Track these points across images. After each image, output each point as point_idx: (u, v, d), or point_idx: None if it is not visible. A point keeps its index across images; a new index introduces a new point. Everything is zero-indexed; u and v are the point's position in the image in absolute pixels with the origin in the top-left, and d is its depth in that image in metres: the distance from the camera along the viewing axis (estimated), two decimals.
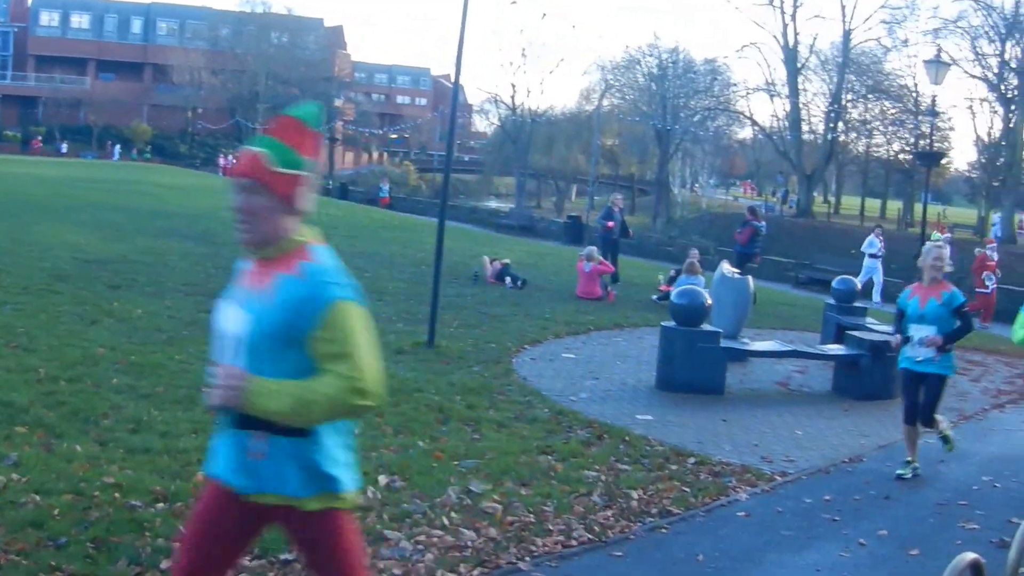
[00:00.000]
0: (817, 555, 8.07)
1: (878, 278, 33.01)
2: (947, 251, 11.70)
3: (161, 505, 7.42)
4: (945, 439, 11.34)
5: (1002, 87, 69.07)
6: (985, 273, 28.55)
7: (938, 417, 11.11)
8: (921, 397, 10.91)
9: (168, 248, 23.60)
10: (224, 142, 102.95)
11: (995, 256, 29.31)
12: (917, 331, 10.77)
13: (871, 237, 34.24)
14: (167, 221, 29.91)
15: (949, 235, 29.85)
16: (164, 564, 6.36)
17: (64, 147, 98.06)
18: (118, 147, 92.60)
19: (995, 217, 69.16)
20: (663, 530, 8.36)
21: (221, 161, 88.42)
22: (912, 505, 9.69)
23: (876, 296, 31.48)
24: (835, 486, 10.19)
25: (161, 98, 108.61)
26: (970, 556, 1.82)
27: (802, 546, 8.27)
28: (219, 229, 29.72)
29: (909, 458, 10.91)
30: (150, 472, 8.17)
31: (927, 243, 12.30)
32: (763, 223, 32.66)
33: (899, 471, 10.74)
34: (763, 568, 7.67)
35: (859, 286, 23.02)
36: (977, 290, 28.26)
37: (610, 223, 28.70)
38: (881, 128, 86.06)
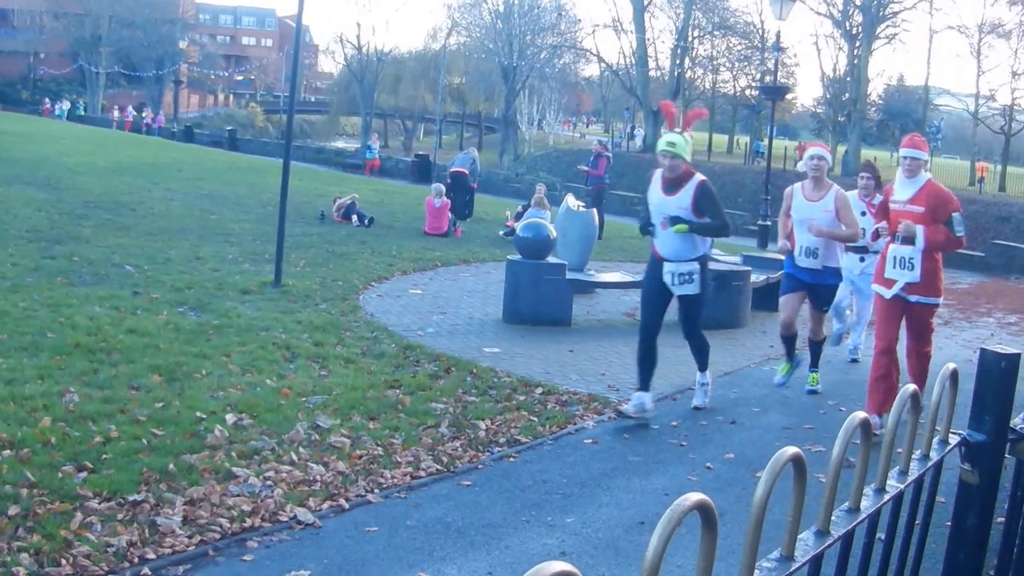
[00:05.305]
0: (665, 479, 8.18)
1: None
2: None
3: (7, 452, 7.25)
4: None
5: (847, 24, 70.28)
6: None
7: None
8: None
9: (9, 195, 22.97)
10: (67, 87, 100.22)
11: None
12: None
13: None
14: (9, 168, 29.09)
15: None
16: (12, 511, 6.23)
17: None
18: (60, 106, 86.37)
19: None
20: (511, 459, 8.42)
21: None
22: (758, 429, 9.87)
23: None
24: (682, 412, 10.35)
25: (2, 43, 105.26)
26: (791, 450, 1.85)
27: (650, 471, 8.37)
28: (62, 175, 29.07)
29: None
30: None
31: None
32: (610, 154, 32.72)
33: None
34: (611, 493, 7.75)
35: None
36: None
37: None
38: (727, 64, 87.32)
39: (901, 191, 9.61)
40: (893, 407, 2.43)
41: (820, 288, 11.08)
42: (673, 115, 10.15)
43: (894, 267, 9.61)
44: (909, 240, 9.46)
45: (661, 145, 9.89)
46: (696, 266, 9.95)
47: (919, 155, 9.53)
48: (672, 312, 9.81)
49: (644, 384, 10.04)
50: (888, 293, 9.66)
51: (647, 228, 10.27)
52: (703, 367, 10.52)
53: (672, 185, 9.86)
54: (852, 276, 12.83)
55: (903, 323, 9.86)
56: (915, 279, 9.47)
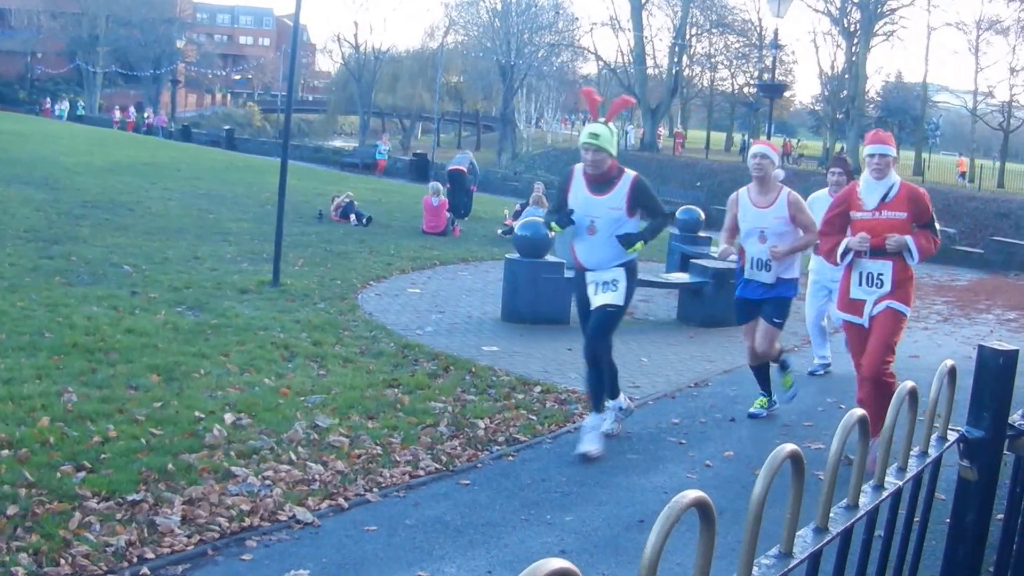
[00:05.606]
0: (664, 477, 8.17)
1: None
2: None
3: (6, 452, 7.24)
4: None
5: (845, 21, 70.41)
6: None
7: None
8: None
9: (7, 195, 22.95)
10: (65, 87, 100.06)
11: None
12: None
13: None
14: (6, 168, 29.06)
15: None
16: (11, 511, 6.22)
17: None
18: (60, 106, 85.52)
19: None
20: (510, 457, 8.41)
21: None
22: (757, 427, 9.86)
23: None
24: (681, 410, 10.33)
25: None
26: (789, 447, 1.84)
27: (649, 469, 8.37)
28: (60, 175, 29.03)
29: None
30: None
31: None
32: None
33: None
34: (610, 491, 7.74)
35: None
36: None
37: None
38: (725, 62, 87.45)
39: (871, 197, 8.24)
40: (891, 403, 2.42)
41: (772, 300, 9.67)
42: (596, 103, 8.86)
43: (860, 284, 8.33)
44: (882, 253, 8.16)
45: (583, 137, 8.66)
46: (621, 272, 8.69)
47: (888, 151, 8.27)
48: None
49: (597, 405, 8.91)
50: (864, 320, 8.32)
51: (567, 218, 8.71)
52: (613, 394, 9.09)
53: (600, 184, 8.65)
54: (827, 281, 11.56)
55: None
56: (885, 294, 8.22)
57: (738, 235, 9.75)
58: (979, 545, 3.06)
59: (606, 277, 8.63)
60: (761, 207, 9.45)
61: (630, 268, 8.74)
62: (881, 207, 8.16)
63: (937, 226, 8.36)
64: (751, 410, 10.25)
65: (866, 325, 8.29)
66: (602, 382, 8.89)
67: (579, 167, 8.78)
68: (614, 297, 8.60)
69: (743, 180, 40.56)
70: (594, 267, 8.69)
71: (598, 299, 8.64)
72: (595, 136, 8.46)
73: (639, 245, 8.56)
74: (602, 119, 8.63)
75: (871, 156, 8.21)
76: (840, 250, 8.34)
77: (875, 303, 8.24)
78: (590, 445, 8.50)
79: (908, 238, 8.07)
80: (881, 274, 8.18)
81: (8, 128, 48.41)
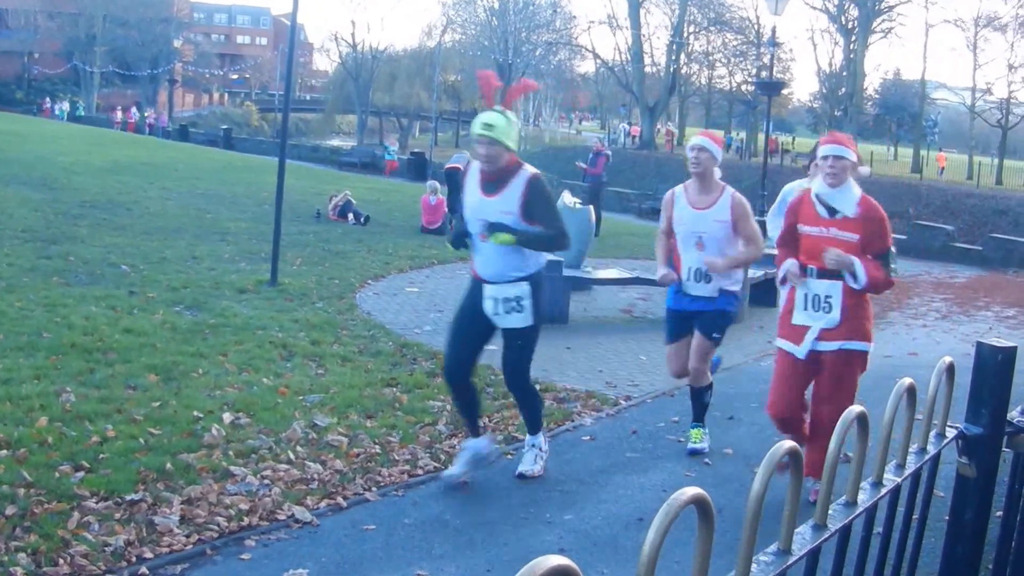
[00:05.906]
0: (662, 476, 8.16)
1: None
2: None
3: (4, 452, 7.23)
4: None
5: (843, 18, 70.58)
6: None
7: None
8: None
9: (5, 195, 22.91)
10: (62, 87, 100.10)
11: None
12: None
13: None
14: (4, 168, 28.99)
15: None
16: (9, 511, 6.22)
17: None
18: (60, 106, 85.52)
19: None
20: (509, 456, 8.38)
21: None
22: (756, 425, 9.81)
23: None
24: (679, 408, 10.27)
25: None
26: (788, 444, 1.84)
27: (647, 467, 8.35)
28: (58, 175, 28.98)
29: None
30: None
31: None
32: (609, 152, 33.00)
33: None
34: (608, 490, 7.72)
35: None
36: None
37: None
38: (723, 60, 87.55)
39: (822, 208, 7.01)
40: (890, 401, 2.42)
41: (710, 312, 8.35)
42: (493, 88, 7.59)
43: (805, 307, 7.07)
44: (830, 273, 6.95)
45: (475, 127, 7.37)
46: (526, 288, 7.44)
47: (844, 153, 6.91)
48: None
49: (473, 429, 7.97)
50: (801, 350, 7.09)
51: (461, 239, 7.79)
52: (534, 428, 8.02)
53: (493, 182, 7.38)
54: None
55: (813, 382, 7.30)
56: (834, 323, 6.97)
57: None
58: (978, 542, 3.06)
59: (508, 293, 7.43)
60: (700, 208, 8.12)
61: (535, 282, 7.54)
62: (830, 223, 6.96)
63: (893, 263, 7.08)
64: (691, 445, 8.86)
65: (801, 356, 7.12)
66: (475, 404, 8.04)
67: (477, 163, 7.60)
68: (521, 320, 7.50)
69: (739, 178, 40.46)
70: (492, 279, 7.48)
71: (503, 322, 7.55)
72: (488, 127, 7.23)
73: (506, 237, 7.24)
74: (499, 106, 7.42)
75: (825, 158, 6.98)
76: (780, 274, 7.37)
77: (820, 337, 7.03)
78: (526, 466, 7.89)
79: (854, 258, 6.80)
80: (829, 296, 6.97)
81: (6, 128, 48.37)
